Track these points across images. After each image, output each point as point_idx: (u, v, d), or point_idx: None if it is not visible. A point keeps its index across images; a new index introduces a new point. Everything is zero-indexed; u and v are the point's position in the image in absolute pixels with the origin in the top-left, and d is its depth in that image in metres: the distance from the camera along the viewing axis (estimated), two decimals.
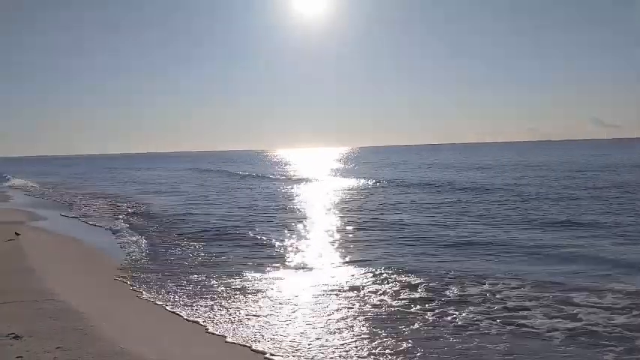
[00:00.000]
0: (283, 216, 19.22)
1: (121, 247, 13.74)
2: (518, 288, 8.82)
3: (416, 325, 7.33)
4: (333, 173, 49.43)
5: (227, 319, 7.73)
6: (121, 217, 19.92)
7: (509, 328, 7.10)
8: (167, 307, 8.36)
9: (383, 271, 10.25)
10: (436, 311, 7.90)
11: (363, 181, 35.95)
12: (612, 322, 7.13)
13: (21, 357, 5.88)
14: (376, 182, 34.20)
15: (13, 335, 6.54)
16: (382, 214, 18.92)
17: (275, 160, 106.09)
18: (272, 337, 6.97)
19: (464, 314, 7.68)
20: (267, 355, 6.35)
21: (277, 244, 13.53)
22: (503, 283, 9.10)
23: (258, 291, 9.23)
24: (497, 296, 8.45)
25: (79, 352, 6.09)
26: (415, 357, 6.28)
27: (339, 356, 6.31)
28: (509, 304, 8.04)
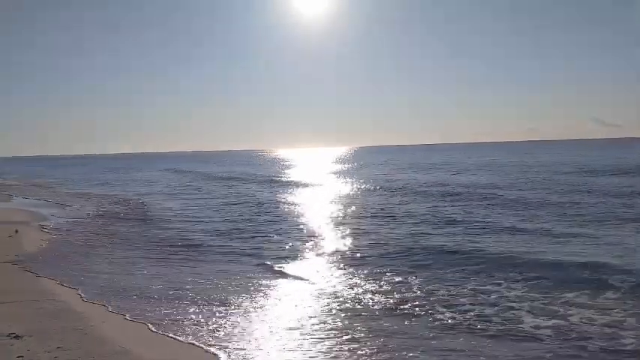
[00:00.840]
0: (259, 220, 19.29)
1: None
2: (510, 289, 8.96)
3: (406, 323, 7.52)
4: (327, 175, 47.73)
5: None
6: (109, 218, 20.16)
7: (498, 327, 7.24)
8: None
9: (373, 272, 10.37)
10: (426, 309, 8.04)
11: (358, 185, 33.86)
12: (597, 321, 7.28)
13: (21, 356, 5.95)
14: (375, 186, 32.23)
15: (14, 335, 6.61)
16: (375, 219, 18.91)
17: (274, 160, 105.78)
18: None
19: (453, 313, 7.81)
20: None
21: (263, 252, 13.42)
22: (494, 284, 9.27)
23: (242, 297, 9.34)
24: (487, 295, 8.63)
25: (79, 351, 6.16)
26: (401, 355, 6.39)
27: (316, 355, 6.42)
28: (500, 304, 8.19)
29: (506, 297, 8.54)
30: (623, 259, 10.68)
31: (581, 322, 7.30)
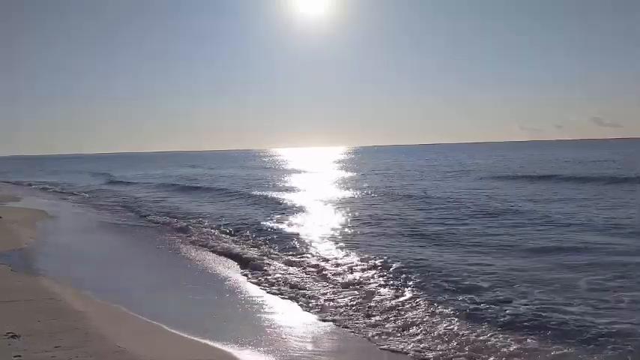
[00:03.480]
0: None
1: None
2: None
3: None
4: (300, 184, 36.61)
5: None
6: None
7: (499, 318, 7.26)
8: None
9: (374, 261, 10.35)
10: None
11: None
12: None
13: (19, 356, 5.87)
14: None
15: (12, 334, 6.53)
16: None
17: (270, 160, 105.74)
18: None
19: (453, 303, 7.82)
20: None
21: None
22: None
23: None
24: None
25: (77, 351, 6.07)
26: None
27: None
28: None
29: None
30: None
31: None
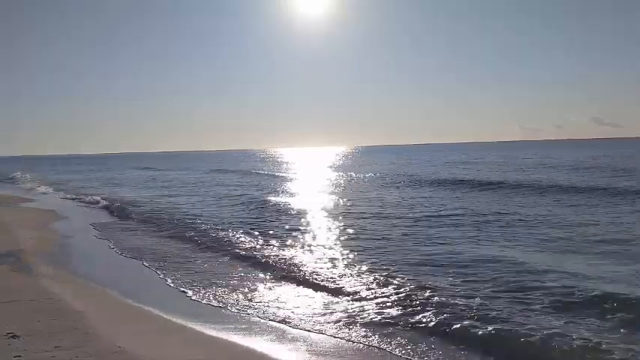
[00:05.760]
0: None
1: None
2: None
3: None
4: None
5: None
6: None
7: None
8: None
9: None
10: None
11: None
12: None
13: (19, 356, 5.88)
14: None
15: (12, 334, 6.54)
16: None
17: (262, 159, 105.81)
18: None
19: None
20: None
21: None
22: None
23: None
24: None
25: (77, 351, 6.09)
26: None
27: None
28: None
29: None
30: None
31: None
